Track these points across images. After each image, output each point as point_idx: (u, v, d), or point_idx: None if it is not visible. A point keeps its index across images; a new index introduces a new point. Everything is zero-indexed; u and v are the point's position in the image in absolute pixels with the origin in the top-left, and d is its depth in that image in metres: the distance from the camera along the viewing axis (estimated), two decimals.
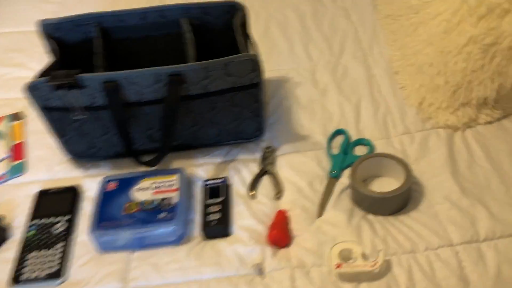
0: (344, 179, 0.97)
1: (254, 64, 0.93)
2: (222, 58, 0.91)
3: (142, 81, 0.91)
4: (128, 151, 1.01)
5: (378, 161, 0.95)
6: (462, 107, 1.03)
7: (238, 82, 0.95)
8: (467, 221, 0.87)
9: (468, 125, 1.03)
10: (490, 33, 0.96)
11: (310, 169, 1.01)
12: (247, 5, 1.07)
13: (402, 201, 0.90)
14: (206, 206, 0.94)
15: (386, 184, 0.94)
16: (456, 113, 1.03)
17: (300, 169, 1.01)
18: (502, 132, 1.01)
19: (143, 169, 1.02)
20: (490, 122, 1.03)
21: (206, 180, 0.99)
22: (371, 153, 0.98)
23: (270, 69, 1.24)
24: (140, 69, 0.90)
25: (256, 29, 1.33)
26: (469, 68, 1.00)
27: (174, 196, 0.94)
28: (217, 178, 0.99)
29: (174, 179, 0.97)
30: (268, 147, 1.06)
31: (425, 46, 1.08)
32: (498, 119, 1.03)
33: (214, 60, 0.91)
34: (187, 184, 0.99)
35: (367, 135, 1.06)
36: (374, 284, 0.80)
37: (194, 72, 0.91)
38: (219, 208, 0.93)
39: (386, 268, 0.82)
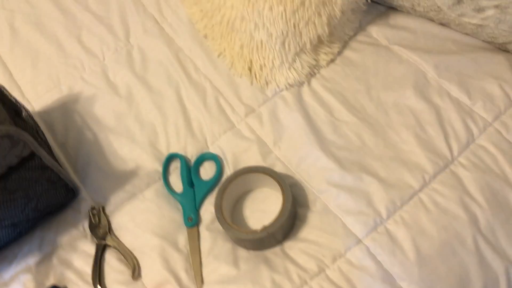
0: (207, 216, 0.75)
1: (11, 138, 0.60)
2: None
3: None
4: None
5: (241, 181, 0.73)
6: (297, 57, 0.83)
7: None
8: (361, 202, 0.71)
9: (311, 75, 0.85)
10: None
11: (159, 215, 0.75)
12: None
13: (289, 224, 0.71)
14: None
15: (262, 198, 0.74)
16: (293, 67, 0.83)
17: (147, 222, 0.75)
18: (349, 68, 0.85)
19: None
20: (332, 60, 0.86)
21: None
22: (230, 176, 0.73)
23: (46, 92, 0.90)
24: None
25: None
26: (288, 10, 0.79)
27: None
28: None
29: None
30: (92, 209, 0.77)
31: None
32: (339, 53, 0.86)
33: None
34: None
35: (206, 134, 0.82)
36: None
37: None
38: None
39: None
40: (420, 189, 0.72)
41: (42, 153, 0.66)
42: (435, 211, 0.69)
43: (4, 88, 0.76)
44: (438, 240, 0.67)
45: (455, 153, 0.74)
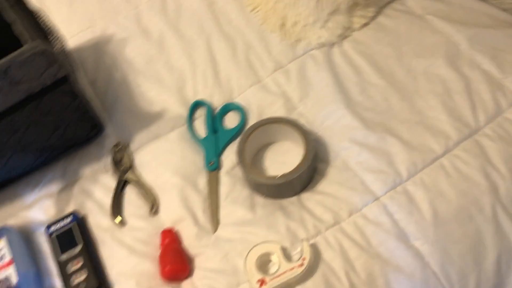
0: (228, 162, 0.75)
1: (48, 56, 0.61)
2: None
3: None
4: None
5: (265, 130, 0.73)
6: (331, 16, 0.83)
7: (34, 86, 0.63)
8: (383, 162, 0.72)
9: (343, 36, 0.85)
10: None
11: (181, 157, 0.77)
12: None
13: (308, 175, 0.71)
14: (62, 264, 0.67)
15: (284, 151, 0.75)
16: (326, 26, 0.84)
17: (169, 162, 0.76)
18: (382, 33, 0.84)
19: None
20: (366, 24, 0.86)
21: (49, 226, 0.71)
22: (254, 124, 0.74)
23: (80, 31, 0.91)
24: None
25: None
26: None
27: (11, 273, 0.65)
28: (63, 218, 0.71)
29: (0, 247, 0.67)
30: (116, 145, 0.79)
31: None
32: (373, 18, 0.86)
33: None
34: (22, 244, 0.70)
35: (233, 85, 0.83)
36: (309, 285, 0.64)
37: None
38: (81, 263, 0.67)
39: (315, 257, 0.66)
40: (443, 154, 0.72)
41: (74, 78, 0.67)
42: (456, 176, 0.69)
43: (41, 15, 0.76)
44: (456, 204, 0.67)
45: (481, 123, 0.74)
